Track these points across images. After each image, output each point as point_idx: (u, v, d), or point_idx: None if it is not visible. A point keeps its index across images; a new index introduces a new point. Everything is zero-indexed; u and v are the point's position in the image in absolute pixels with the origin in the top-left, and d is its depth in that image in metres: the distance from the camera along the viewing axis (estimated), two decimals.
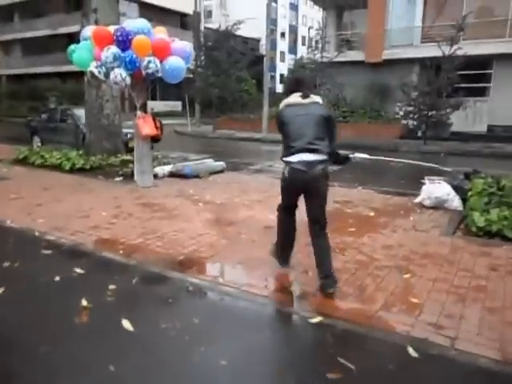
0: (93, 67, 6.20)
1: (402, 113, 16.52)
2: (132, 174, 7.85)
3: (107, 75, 6.26)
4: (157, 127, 6.93)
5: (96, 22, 8.79)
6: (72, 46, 6.57)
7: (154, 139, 7.10)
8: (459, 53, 14.76)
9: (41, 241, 4.21)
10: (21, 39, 37.73)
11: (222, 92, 22.90)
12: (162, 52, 6.11)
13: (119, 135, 9.55)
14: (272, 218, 5.08)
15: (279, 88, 48.87)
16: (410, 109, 16.05)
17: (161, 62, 6.13)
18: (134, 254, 3.90)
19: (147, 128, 6.73)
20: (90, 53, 6.21)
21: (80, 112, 11.61)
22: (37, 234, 4.44)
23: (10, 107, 33.11)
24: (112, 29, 6.08)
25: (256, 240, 4.43)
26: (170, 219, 5.13)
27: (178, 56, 6.26)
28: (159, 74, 6.23)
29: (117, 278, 3.36)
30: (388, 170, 11.18)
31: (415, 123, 16.59)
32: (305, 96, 3.22)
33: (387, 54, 20.47)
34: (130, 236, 4.40)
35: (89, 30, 6.37)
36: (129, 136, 10.60)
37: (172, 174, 7.95)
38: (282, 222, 3.53)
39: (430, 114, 15.63)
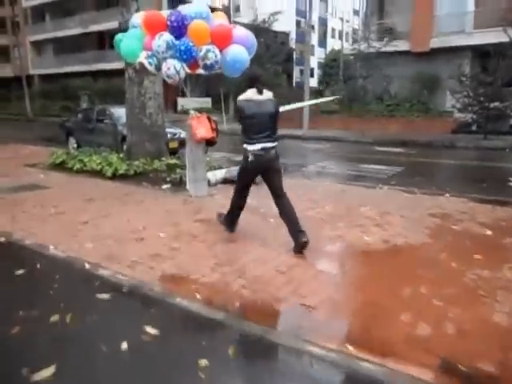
0: (143, 58, 5.31)
1: (458, 105, 15.05)
2: (181, 181, 6.99)
3: (159, 67, 5.36)
4: (213, 129, 6.01)
5: (137, 11, 7.95)
6: (119, 35, 5.71)
7: (210, 143, 6.17)
8: None
9: (93, 278, 3.33)
10: (52, 39, 37.76)
11: None
12: (222, 40, 5.15)
13: (162, 136, 8.71)
14: (369, 240, 4.14)
15: (312, 82, 47.24)
16: (468, 101, 14.61)
17: (220, 51, 5.18)
18: (215, 300, 2.97)
19: (202, 130, 5.81)
20: (139, 42, 5.33)
21: (118, 111, 10.88)
22: (87, 266, 3.57)
23: (42, 106, 33.14)
24: (165, 13, 5.17)
25: (366, 274, 3.43)
26: (243, 242, 4.19)
27: (240, 45, 5.29)
28: (217, 66, 5.28)
29: (205, 344, 2.43)
30: (458, 170, 9.94)
31: (474, 116, 15.13)
32: (260, 92, 3.89)
33: (435, 43, 18.98)
34: (202, 270, 3.48)
35: (139, 16, 5.49)
36: (169, 136, 9.81)
37: (225, 180, 7.03)
38: (238, 195, 4.25)
39: (491, 105, 14.19)
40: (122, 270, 3.47)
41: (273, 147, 3.94)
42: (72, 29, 35.28)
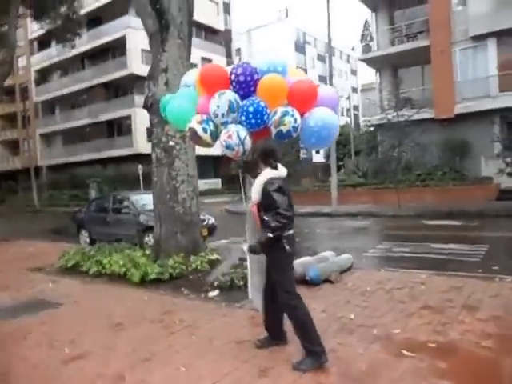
0: (195, 123, 3.88)
1: (509, 169, 13.71)
2: (232, 285, 5.32)
3: (216, 135, 3.94)
4: None
5: (166, 84, 6.83)
6: (167, 96, 4.37)
7: None
8: None
9: None
10: (61, 130, 38.09)
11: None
12: (304, 101, 3.76)
13: (197, 226, 7.15)
14: None
15: (317, 157, 46.83)
16: None
17: (301, 115, 3.78)
18: None
19: None
20: (193, 103, 3.98)
21: (138, 199, 9.49)
22: None
23: (50, 197, 32.32)
24: (228, 68, 3.86)
25: None
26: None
27: (327, 108, 3.91)
28: (295, 134, 3.85)
29: None
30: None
31: None
32: (276, 168, 3.33)
33: (460, 108, 18.27)
34: None
35: (193, 72, 4.18)
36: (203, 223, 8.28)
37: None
38: (304, 311, 3.19)
39: None
40: None
41: None
42: (81, 120, 35.65)
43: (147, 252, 6.99)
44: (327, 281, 5.38)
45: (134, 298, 5.27)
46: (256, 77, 3.71)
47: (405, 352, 3.22)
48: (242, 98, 3.74)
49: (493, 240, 8.71)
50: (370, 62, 22.05)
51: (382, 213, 14.96)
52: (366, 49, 21.33)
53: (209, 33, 37.75)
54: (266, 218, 3.10)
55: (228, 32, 41.32)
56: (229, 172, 23.19)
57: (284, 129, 3.70)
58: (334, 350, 3.31)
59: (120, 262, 6.35)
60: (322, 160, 42.51)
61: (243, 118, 3.71)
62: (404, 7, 20.78)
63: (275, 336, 3.50)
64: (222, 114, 3.74)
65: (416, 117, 16.22)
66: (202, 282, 5.66)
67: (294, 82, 3.79)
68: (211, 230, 9.65)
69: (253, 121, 3.70)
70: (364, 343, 3.43)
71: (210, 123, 3.89)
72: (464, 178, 17.41)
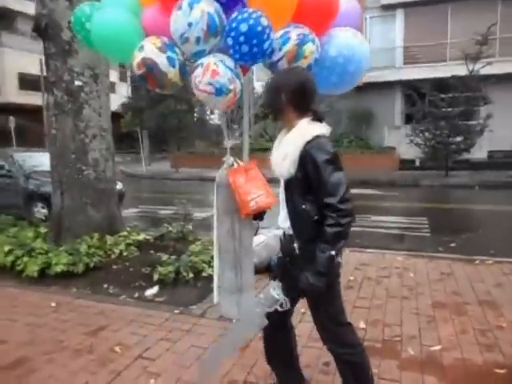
0: (152, 50, 2.29)
1: (419, 140, 14.08)
2: (176, 278, 3.99)
3: (186, 72, 2.43)
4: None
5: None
6: (86, 7, 2.59)
7: (258, 215, 3.29)
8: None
9: None
10: None
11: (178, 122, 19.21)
12: (320, 16, 2.44)
13: (114, 196, 5.48)
14: None
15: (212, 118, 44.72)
16: (428, 135, 13.71)
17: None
18: None
19: (262, 194, 2.94)
20: (135, 17, 2.39)
21: (24, 158, 7.29)
22: None
23: None
24: None
25: None
26: None
27: (351, 29, 2.66)
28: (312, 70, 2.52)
29: None
30: (485, 217, 8.03)
31: (426, 151, 14.24)
32: (321, 120, 1.98)
33: (368, 77, 18.39)
34: None
35: None
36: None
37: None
38: (364, 355, 1.98)
39: (451, 140, 13.42)
40: None
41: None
42: None
43: (41, 230, 5.17)
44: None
45: (32, 305, 3.59)
46: None
47: None
48: (226, 9, 2.27)
49: (424, 211, 8.56)
50: None
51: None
52: None
53: None
54: (317, 218, 1.82)
55: None
56: (118, 130, 20.53)
57: (305, 63, 2.36)
58: None
59: (4, 246, 4.48)
60: (218, 122, 41.02)
61: (231, 42, 2.21)
62: None
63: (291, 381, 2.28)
64: (197, 39, 2.17)
65: None
66: (131, 275, 4.18)
67: None
68: (119, 198, 7.94)
69: (246, 48, 2.18)
70: (411, 374, 2.46)
71: (177, 50, 2.35)
72: (369, 147, 17.79)
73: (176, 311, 3.37)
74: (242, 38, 2.08)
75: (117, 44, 2.47)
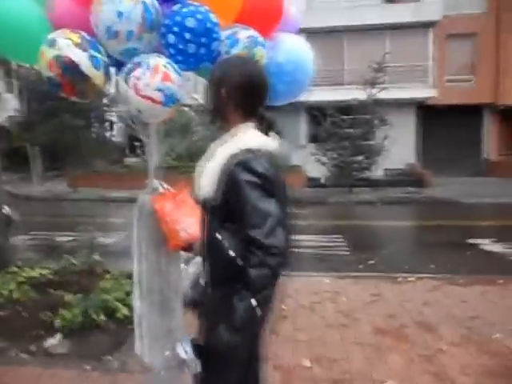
0: (70, 48, 1.78)
1: (325, 159, 14.68)
2: (84, 326, 3.35)
3: (109, 74, 1.97)
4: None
5: None
6: None
7: (188, 246, 2.82)
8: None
9: None
10: None
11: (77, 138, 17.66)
12: (265, 19, 2.18)
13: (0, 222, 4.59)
14: None
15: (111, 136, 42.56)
16: (334, 155, 14.38)
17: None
18: None
19: (191, 224, 2.49)
20: (35, 5, 1.88)
21: None
22: None
23: None
24: None
25: None
26: None
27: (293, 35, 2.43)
28: None
29: None
30: (400, 233, 8.40)
31: (333, 169, 14.93)
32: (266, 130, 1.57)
33: None
34: None
35: None
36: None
37: None
38: None
39: (354, 159, 14.21)
40: None
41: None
42: None
43: None
44: None
45: None
46: None
47: None
48: (161, 1, 1.88)
49: (337, 228, 8.75)
50: None
51: None
52: None
53: None
54: (233, 255, 1.40)
55: None
56: (10, 144, 18.33)
57: None
58: None
59: None
60: (119, 139, 38.87)
61: (173, 40, 1.82)
62: None
63: None
64: (129, 34, 1.77)
65: None
66: (25, 322, 3.41)
67: None
68: (7, 224, 6.81)
69: (193, 48, 1.84)
70: None
71: (101, 49, 1.88)
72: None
73: (87, 367, 2.76)
74: (188, 36, 1.70)
75: (18, 43, 1.92)
